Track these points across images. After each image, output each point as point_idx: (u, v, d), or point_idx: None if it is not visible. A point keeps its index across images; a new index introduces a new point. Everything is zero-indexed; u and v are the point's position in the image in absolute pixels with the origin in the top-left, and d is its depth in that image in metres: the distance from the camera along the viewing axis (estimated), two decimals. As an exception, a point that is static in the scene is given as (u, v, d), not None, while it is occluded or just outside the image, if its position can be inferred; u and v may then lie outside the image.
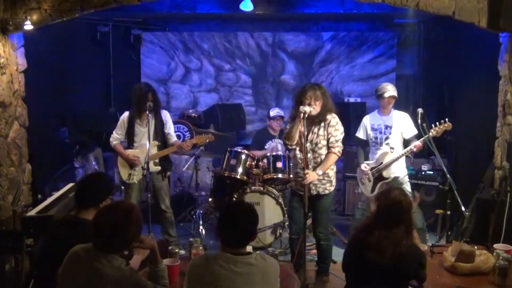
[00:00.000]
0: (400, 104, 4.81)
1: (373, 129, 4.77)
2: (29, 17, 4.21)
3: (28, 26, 4.21)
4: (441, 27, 6.20)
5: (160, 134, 4.71)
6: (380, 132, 4.72)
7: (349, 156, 6.23)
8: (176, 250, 3.24)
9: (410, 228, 2.67)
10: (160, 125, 4.71)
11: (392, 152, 4.63)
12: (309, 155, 3.97)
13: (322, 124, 3.98)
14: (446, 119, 4.32)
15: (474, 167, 5.41)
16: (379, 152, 4.70)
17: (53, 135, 5.91)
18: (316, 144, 3.97)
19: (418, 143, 4.39)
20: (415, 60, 7.02)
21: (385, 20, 6.96)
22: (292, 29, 7.26)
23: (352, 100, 6.84)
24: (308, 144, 3.96)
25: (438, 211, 5.03)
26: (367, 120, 4.84)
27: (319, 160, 3.99)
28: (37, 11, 4.32)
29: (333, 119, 3.99)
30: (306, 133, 3.85)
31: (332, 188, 4.07)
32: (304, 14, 6.66)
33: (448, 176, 4.10)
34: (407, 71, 7.14)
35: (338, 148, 3.98)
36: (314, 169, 3.96)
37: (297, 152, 4.05)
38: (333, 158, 3.97)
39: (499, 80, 4.84)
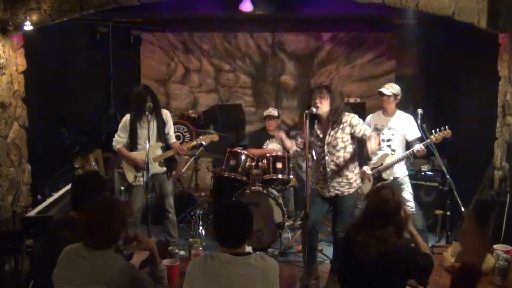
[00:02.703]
0: (400, 104, 4.78)
1: (376, 129, 4.69)
2: (28, 18, 4.21)
3: (27, 26, 4.20)
4: (441, 28, 6.19)
5: (163, 135, 4.71)
6: (383, 133, 4.65)
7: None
8: (176, 251, 3.25)
9: (400, 228, 2.62)
10: (162, 125, 4.70)
11: (393, 154, 4.61)
12: (326, 157, 3.99)
13: (341, 126, 3.96)
14: (446, 126, 4.26)
15: (474, 167, 5.40)
16: (380, 153, 4.67)
17: (52, 136, 5.91)
18: (334, 146, 3.97)
19: (419, 147, 4.32)
20: (414, 60, 7.01)
21: (384, 20, 6.96)
22: (292, 29, 7.26)
23: (351, 100, 6.84)
24: (326, 147, 3.98)
25: (438, 212, 5.03)
26: (371, 119, 4.79)
27: (338, 162, 3.99)
28: (36, 12, 4.31)
29: (352, 118, 3.99)
30: (306, 136, 3.80)
31: (352, 190, 4.06)
32: (303, 15, 6.66)
33: (447, 176, 4.09)
34: (407, 72, 7.13)
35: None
36: (333, 171, 3.98)
37: (315, 156, 4.06)
38: (377, 140, 4.01)
39: (498, 80, 4.83)
